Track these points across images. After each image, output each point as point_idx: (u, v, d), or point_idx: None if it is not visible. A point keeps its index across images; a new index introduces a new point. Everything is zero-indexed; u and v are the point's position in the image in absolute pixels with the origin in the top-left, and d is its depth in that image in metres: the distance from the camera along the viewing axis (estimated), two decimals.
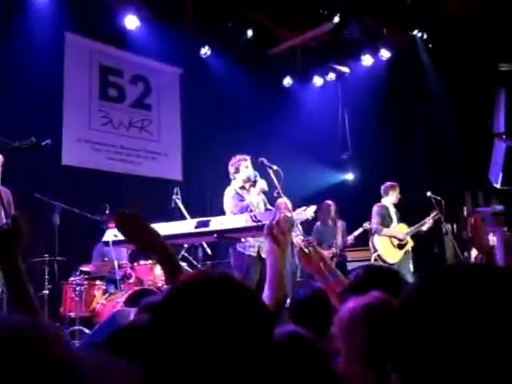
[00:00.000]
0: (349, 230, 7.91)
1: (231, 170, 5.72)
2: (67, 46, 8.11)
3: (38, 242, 6.71)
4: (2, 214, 4.67)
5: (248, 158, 5.63)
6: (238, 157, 5.69)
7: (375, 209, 7.18)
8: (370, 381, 1.45)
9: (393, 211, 7.22)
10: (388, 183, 7.29)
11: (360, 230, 7.55)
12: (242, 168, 5.62)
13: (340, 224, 7.90)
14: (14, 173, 5.52)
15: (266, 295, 1.79)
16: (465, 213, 9.16)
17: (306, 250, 2.39)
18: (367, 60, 9.97)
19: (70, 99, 8.05)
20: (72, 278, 6.20)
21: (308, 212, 5.65)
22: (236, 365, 0.93)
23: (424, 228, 7.14)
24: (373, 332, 1.45)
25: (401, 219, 7.25)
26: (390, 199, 7.22)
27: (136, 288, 6.02)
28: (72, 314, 6.01)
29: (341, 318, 1.56)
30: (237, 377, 0.94)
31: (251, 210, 5.20)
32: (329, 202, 7.91)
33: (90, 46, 8.40)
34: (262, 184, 5.50)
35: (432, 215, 7.08)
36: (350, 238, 7.70)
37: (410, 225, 7.20)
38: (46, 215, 6.47)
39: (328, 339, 2.18)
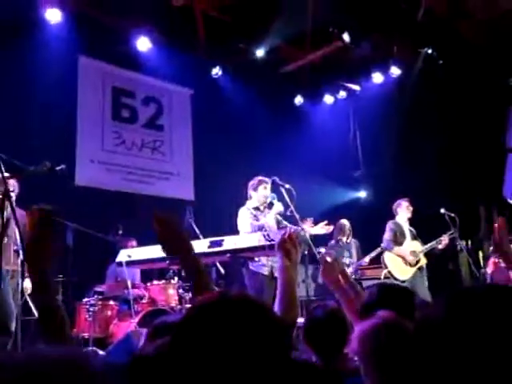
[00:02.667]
0: (361, 248, 7.86)
1: (249, 189, 5.76)
2: (80, 69, 8.22)
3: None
4: (18, 236, 4.70)
5: (269, 181, 5.66)
6: (259, 178, 5.75)
7: (388, 225, 7.15)
8: None
9: (406, 228, 7.17)
10: (400, 201, 7.24)
11: (377, 250, 7.46)
12: (261, 189, 5.66)
13: (354, 242, 7.86)
14: (27, 194, 5.56)
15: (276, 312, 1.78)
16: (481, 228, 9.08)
17: (328, 259, 2.34)
18: (378, 78, 10.01)
19: (84, 120, 8.14)
20: (86, 299, 6.21)
21: (317, 229, 5.67)
22: None
23: (440, 246, 7.08)
24: (381, 353, 1.44)
25: (415, 237, 7.19)
26: (403, 216, 7.17)
27: (149, 308, 6.02)
28: (85, 335, 6.01)
29: (354, 341, 1.56)
30: None
31: (266, 231, 5.20)
32: (344, 220, 7.87)
33: (103, 68, 8.50)
34: (278, 207, 5.51)
35: (448, 233, 7.03)
36: (365, 261, 7.61)
37: (423, 242, 7.14)
38: (59, 236, 6.50)
39: (343, 358, 2.16)
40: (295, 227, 5.21)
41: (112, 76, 8.65)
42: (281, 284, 1.97)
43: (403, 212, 7.17)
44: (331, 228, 5.97)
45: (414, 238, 7.18)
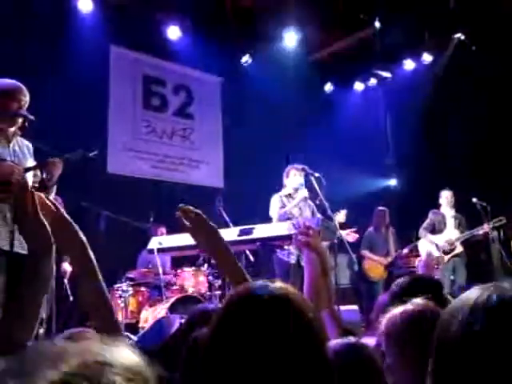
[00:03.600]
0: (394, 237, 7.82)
1: (284, 176, 5.89)
2: (112, 58, 8.31)
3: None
4: None
5: (300, 168, 5.70)
6: (292, 166, 5.85)
7: (429, 214, 7.29)
8: None
9: (449, 217, 7.23)
10: (442, 191, 7.35)
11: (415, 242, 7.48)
12: (291, 175, 5.76)
13: (391, 231, 7.82)
14: (61, 181, 5.67)
15: None
16: None
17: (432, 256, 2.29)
18: (409, 64, 9.87)
19: (116, 109, 8.23)
20: (118, 285, 6.32)
21: (340, 217, 5.73)
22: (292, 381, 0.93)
23: (480, 232, 7.07)
24: (424, 341, 1.43)
25: (460, 225, 7.21)
26: (444, 206, 7.27)
27: (180, 294, 6.09)
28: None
29: (387, 330, 1.54)
30: None
31: (288, 218, 5.26)
32: (383, 208, 7.86)
33: (134, 57, 8.57)
34: (302, 193, 5.60)
35: (494, 220, 6.98)
36: (405, 252, 7.61)
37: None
38: (92, 223, 6.63)
39: None
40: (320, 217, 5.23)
41: (143, 65, 8.72)
42: (307, 276, 1.99)
43: (443, 202, 7.31)
44: (356, 237, 6.09)
45: (459, 226, 7.19)
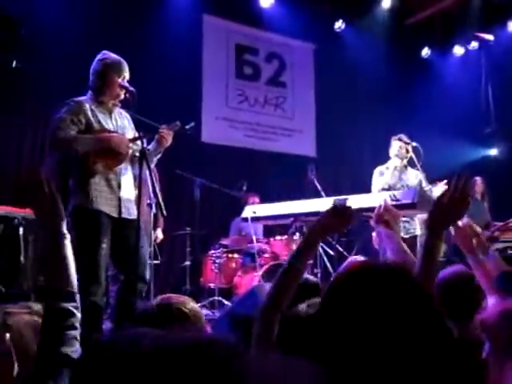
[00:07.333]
0: (493, 209, 7.47)
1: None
2: (205, 28, 8.39)
3: (180, 215, 7.11)
4: (151, 191, 5.01)
5: (397, 138, 5.60)
6: (394, 137, 5.69)
7: None
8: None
9: None
10: None
11: None
12: (392, 146, 5.63)
13: (486, 202, 7.51)
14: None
15: None
16: None
17: (459, 224, 2.22)
18: None
19: (209, 78, 8.34)
20: (212, 251, 6.50)
21: (437, 190, 5.52)
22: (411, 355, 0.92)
23: None
24: None
25: None
26: None
27: (272, 262, 6.17)
28: (212, 285, 6.32)
29: (487, 318, 1.48)
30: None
31: (385, 189, 5.17)
32: (478, 178, 7.58)
33: (227, 26, 8.61)
34: (393, 163, 5.47)
35: None
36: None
37: None
38: (187, 191, 6.82)
39: (471, 327, 2.08)
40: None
41: (236, 33, 8.74)
42: (390, 249, 1.96)
43: None
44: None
45: None
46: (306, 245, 1.76)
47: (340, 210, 1.79)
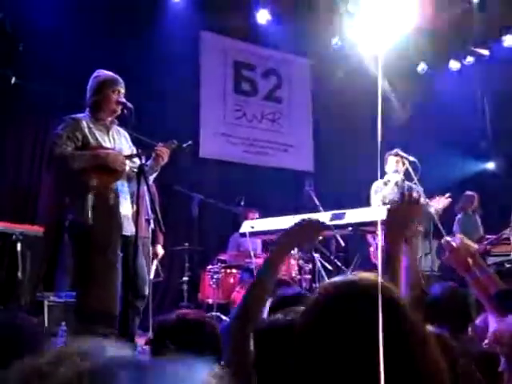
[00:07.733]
0: (490, 223, 7.47)
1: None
2: (202, 44, 8.45)
3: (179, 231, 7.10)
4: (149, 207, 5.04)
5: (394, 152, 5.65)
6: (389, 152, 5.75)
7: None
8: None
9: None
10: None
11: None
12: (388, 162, 5.70)
13: (478, 216, 7.52)
14: None
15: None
16: None
17: (453, 244, 2.24)
18: (509, 40, 9.32)
19: (207, 94, 8.38)
20: (210, 267, 6.48)
21: (435, 203, 5.53)
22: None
23: None
24: None
25: None
26: None
27: None
28: (210, 301, 6.29)
29: (502, 335, 1.49)
30: None
31: (384, 204, 5.18)
32: (472, 192, 7.60)
33: (224, 42, 8.67)
34: (393, 178, 5.50)
35: None
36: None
37: None
38: (185, 206, 6.81)
39: (466, 340, 2.09)
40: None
41: (233, 50, 8.80)
42: (404, 266, 1.95)
43: None
44: (448, 201, 5.80)
45: None
46: (273, 258, 1.80)
47: (307, 224, 1.82)
